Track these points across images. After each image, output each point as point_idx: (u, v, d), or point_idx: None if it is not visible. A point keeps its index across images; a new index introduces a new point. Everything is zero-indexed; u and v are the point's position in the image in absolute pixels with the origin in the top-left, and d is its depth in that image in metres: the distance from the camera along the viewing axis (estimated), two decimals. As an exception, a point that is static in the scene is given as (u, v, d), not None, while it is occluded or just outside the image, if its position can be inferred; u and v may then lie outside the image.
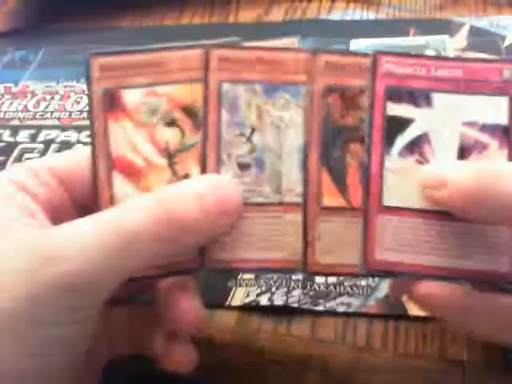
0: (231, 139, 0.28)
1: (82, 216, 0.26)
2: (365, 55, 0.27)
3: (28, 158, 0.49)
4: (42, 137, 0.51)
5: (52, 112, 0.53)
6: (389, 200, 0.27)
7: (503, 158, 0.27)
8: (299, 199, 0.28)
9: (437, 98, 0.27)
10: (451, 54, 0.53)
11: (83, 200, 0.29)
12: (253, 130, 0.28)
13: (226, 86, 0.28)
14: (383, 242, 0.27)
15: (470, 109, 0.27)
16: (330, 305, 0.36)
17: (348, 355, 0.34)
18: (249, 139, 0.28)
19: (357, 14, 0.61)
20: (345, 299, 0.36)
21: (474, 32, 0.55)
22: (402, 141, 0.27)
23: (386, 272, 0.27)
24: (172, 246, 0.26)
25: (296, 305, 0.36)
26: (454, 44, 0.54)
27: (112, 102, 0.28)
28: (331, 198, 0.28)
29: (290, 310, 0.36)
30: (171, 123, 0.28)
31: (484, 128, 0.27)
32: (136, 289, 0.31)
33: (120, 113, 0.28)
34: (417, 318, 0.35)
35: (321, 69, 0.28)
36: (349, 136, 0.28)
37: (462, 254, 0.27)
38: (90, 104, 0.28)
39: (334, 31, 0.58)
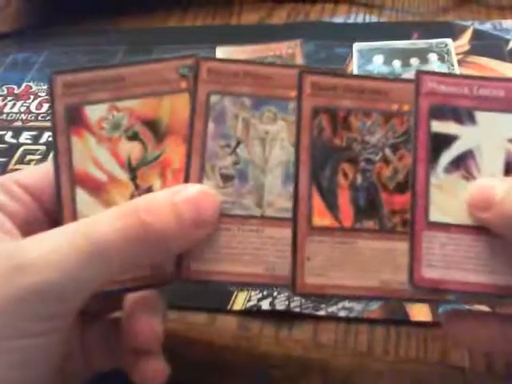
0: (216, 150, 0.28)
1: None
2: (352, 76, 0.27)
3: (30, 160, 0.49)
4: (44, 138, 0.51)
5: (54, 114, 0.53)
6: (435, 216, 0.27)
7: None
8: (280, 214, 0.28)
9: (480, 115, 0.27)
10: (454, 57, 0.53)
11: (56, 214, 0.29)
12: (238, 143, 0.28)
13: (214, 98, 0.28)
14: (430, 258, 0.27)
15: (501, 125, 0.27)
16: (332, 310, 0.36)
17: (349, 360, 0.34)
18: (233, 151, 0.28)
19: (359, 16, 0.61)
20: (346, 304, 0.36)
21: (477, 35, 0.55)
22: (447, 157, 0.27)
23: (433, 290, 0.27)
24: (146, 256, 0.26)
25: (298, 309, 0.36)
26: (456, 47, 0.54)
27: (75, 118, 0.29)
28: (321, 218, 0.28)
29: (291, 314, 0.36)
30: (133, 137, 0.29)
31: None
32: (109, 304, 0.31)
33: (83, 128, 0.29)
34: (418, 323, 0.35)
35: (308, 90, 0.28)
36: (339, 156, 0.28)
37: (510, 270, 0.27)
38: (52, 120, 0.29)
39: (336, 34, 0.58)
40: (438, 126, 0.27)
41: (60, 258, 0.24)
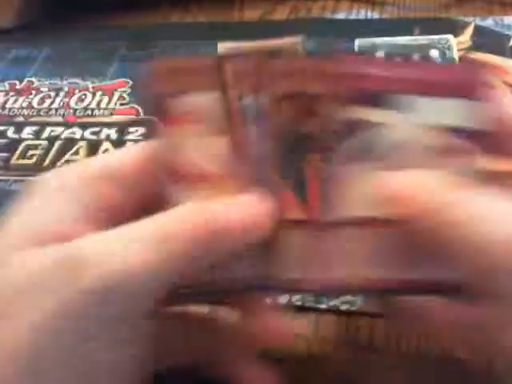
0: (262, 154, 0.27)
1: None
2: (322, 58, 0.26)
3: (32, 155, 0.49)
4: (46, 133, 0.51)
5: (57, 109, 0.53)
6: (340, 211, 0.26)
7: (470, 161, 0.25)
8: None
9: (397, 100, 0.25)
10: (456, 53, 0.53)
11: (144, 202, 0.27)
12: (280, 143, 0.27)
13: (247, 100, 0.26)
14: (334, 257, 0.26)
15: (433, 112, 0.25)
16: (334, 303, 0.36)
17: (350, 353, 0.34)
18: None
19: (361, 13, 0.61)
20: (348, 297, 0.36)
21: (479, 32, 0.55)
22: (357, 146, 0.26)
23: (339, 289, 0.26)
24: (208, 252, 0.25)
25: (299, 303, 0.36)
26: (458, 43, 0.54)
27: (167, 110, 0.27)
28: (292, 211, 0.26)
29: (292, 307, 0.36)
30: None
31: (449, 131, 0.25)
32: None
33: (174, 121, 0.27)
34: (420, 317, 0.35)
35: (273, 75, 0.26)
36: (308, 146, 0.26)
37: (411, 263, 0.26)
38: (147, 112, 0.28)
39: (338, 30, 0.58)
40: (352, 112, 0.25)
41: (125, 255, 0.23)
